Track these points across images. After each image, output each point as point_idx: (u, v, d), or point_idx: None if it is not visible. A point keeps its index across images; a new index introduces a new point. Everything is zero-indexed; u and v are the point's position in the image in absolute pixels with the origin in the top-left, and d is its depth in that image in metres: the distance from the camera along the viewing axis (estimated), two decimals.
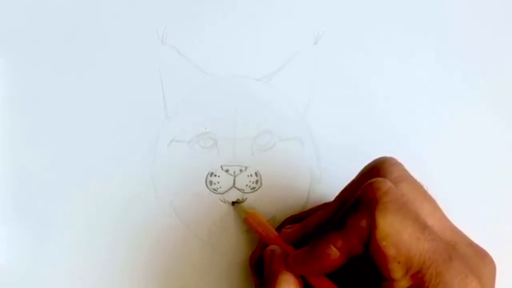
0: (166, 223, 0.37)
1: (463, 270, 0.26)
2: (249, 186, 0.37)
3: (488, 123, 0.39)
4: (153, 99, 0.38)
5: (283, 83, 0.38)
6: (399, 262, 0.26)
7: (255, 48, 0.39)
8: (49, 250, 0.36)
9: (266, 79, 0.38)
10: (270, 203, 0.37)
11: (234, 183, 0.37)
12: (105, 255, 0.36)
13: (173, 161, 0.37)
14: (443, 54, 0.40)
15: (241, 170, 0.37)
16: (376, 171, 0.30)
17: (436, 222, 0.28)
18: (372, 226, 0.26)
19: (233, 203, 0.37)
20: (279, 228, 0.34)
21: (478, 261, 0.28)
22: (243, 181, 0.37)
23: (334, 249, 0.28)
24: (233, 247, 0.37)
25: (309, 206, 0.37)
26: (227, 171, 0.37)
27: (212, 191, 0.37)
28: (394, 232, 0.26)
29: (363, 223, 0.27)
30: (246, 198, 0.37)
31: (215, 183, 0.37)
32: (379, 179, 0.28)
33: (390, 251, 0.26)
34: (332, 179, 0.37)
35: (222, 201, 0.37)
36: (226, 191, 0.37)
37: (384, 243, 0.26)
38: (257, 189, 0.37)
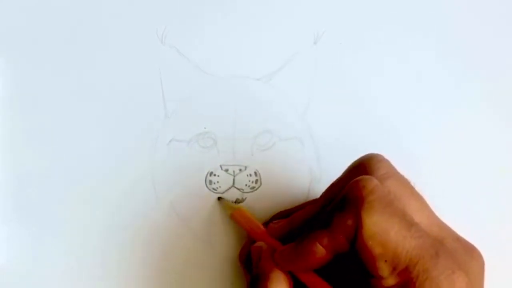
0: (165, 222, 0.37)
1: (450, 265, 0.26)
2: (249, 186, 0.37)
3: (488, 123, 0.39)
4: (153, 99, 0.38)
5: (283, 83, 0.38)
6: (386, 260, 0.26)
7: (255, 48, 0.39)
8: (49, 250, 0.36)
9: (266, 79, 0.38)
10: (269, 203, 0.37)
11: (233, 183, 0.37)
12: (105, 254, 0.36)
13: (172, 161, 0.37)
14: (443, 54, 0.40)
15: (240, 170, 0.37)
16: (363, 168, 0.30)
17: (423, 218, 0.28)
18: (358, 224, 0.27)
19: (219, 198, 0.37)
20: (267, 224, 0.34)
21: (466, 256, 0.28)
22: (243, 180, 0.37)
23: (320, 246, 0.28)
24: (232, 246, 0.37)
25: None
26: (226, 170, 0.37)
27: (212, 191, 0.37)
28: (380, 231, 0.26)
29: (349, 221, 0.27)
30: (245, 198, 0.37)
31: (214, 183, 0.37)
32: (365, 177, 0.28)
33: (377, 250, 0.26)
34: (332, 179, 0.37)
35: (218, 196, 0.37)
36: (226, 190, 0.37)
37: (370, 242, 0.26)
38: (256, 189, 0.37)
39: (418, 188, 0.30)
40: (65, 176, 0.37)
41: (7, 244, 0.36)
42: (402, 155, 0.38)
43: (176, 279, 0.36)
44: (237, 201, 0.37)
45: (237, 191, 0.37)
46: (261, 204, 0.37)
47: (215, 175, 0.37)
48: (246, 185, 0.37)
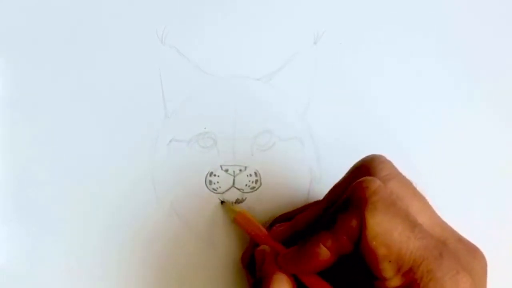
0: (165, 222, 0.37)
1: (454, 266, 0.26)
2: (249, 186, 0.37)
3: (488, 123, 0.39)
4: (153, 99, 0.38)
5: (283, 83, 0.38)
6: (390, 261, 0.26)
7: (255, 48, 0.39)
8: (49, 250, 0.36)
9: (266, 79, 0.38)
10: (269, 203, 0.37)
11: (233, 183, 0.37)
12: (105, 254, 0.36)
13: (173, 161, 0.37)
14: (443, 54, 0.40)
15: (240, 170, 0.37)
16: (365, 169, 0.30)
17: (425, 219, 0.28)
18: (362, 225, 0.26)
19: (222, 202, 0.37)
20: (270, 227, 0.34)
21: (469, 257, 0.28)
22: (243, 181, 0.37)
23: (324, 248, 0.28)
24: (233, 246, 0.37)
25: None
26: (226, 170, 0.37)
27: (212, 191, 0.37)
28: (384, 232, 0.26)
29: (353, 222, 0.27)
30: (245, 198, 0.37)
31: (214, 183, 0.37)
32: (368, 178, 0.28)
33: (381, 251, 0.26)
34: (332, 179, 0.37)
35: (221, 199, 0.37)
36: (226, 190, 0.37)
37: (374, 242, 0.26)
38: (256, 189, 0.37)
39: (419, 188, 0.30)
40: (65, 176, 0.37)
41: (7, 244, 0.36)
42: (402, 155, 0.38)
43: (177, 280, 0.36)
44: (237, 201, 0.37)
45: (237, 191, 0.37)
46: (261, 204, 0.37)
47: (215, 175, 0.37)
48: (246, 185, 0.37)
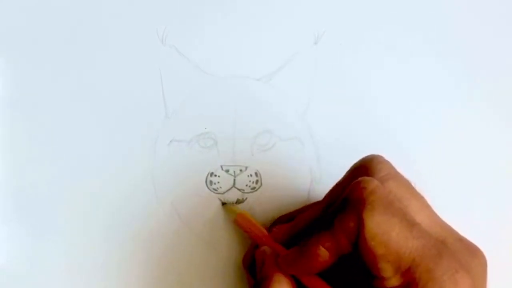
0: (166, 223, 0.37)
1: (453, 265, 0.26)
2: (249, 186, 0.37)
3: (488, 123, 0.39)
4: (153, 99, 0.38)
5: (283, 83, 0.38)
6: (388, 261, 0.26)
7: (255, 48, 0.39)
8: (49, 250, 0.36)
9: (266, 79, 0.38)
10: (270, 203, 0.37)
11: (234, 183, 0.37)
12: (105, 254, 0.36)
13: (173, 161, 0.37)
14: (443, 54, 0.40)
15: (241, 170, 0.37)
16: (364, 169, 0.30)
17: (424, 218, 0.28)
18: (360, 225, 0.26)
19: (223, 203, 0.37)
20: (270, 228, 0.34)
21: (468, 256, 0.27)
22: (243, 181, 0.37)
23: (323, 249, 0.28)
24: (233, 247, 0.37)
25: None
26: (227, 171, 0.37)
27: (212, 191, 0.37)
28: (382, 232, 0.26)
29: (351, 223, 0.27)
30: (246, 198, 0.37)
31: (215, 183, 0.37)
32: (366, 178, 0.28)
33: (379, 250, 0.26)
34: (332, 179, 0.37)
35: (222, 201, 0.37)
36: (226, 191, 0.37)
37: (372, 242, 0.26)
38: (257, 189, 0.37)
39: (419, 188, 0.30)
40: (65, 176, 0.37)
41: (7, 244, 0.36)
42: (402, 155, 0.38)
43: (177, 280, 0.36)
44: (238, 202, 0.37)
45: (238, 191, 0.37)
46: (261, 204, 0.37)
47: (215, 175, 0.37)
48: (246, 185, 0.37)
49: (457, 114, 0.39)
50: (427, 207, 0.30)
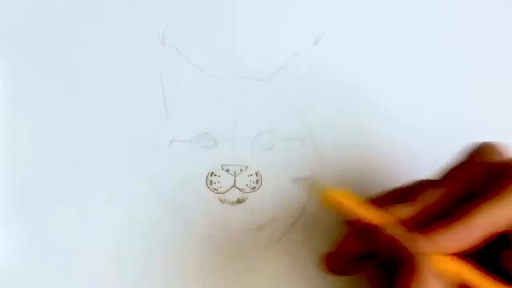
0: (166, 222, 0.37)
1: None
2: (250, 186, 0.37)
3: (490, 123, 0.39)
4: (153, 99, 0.38)
5: (283, 83, 0.38)
6: None
7: (255, 48, 0.39)
8: (49, 250, 0.36)
9: (266, 79, 0.38)
10: (270, 203, 0.37)
11: (234, 183, 0.37)
12: (104, 254, 0.36)
13: (173, 161, 0.37)
14: (444, 54, 0.40)
15: (241, 170, 0.37)
16: (489, 152, 0.29)
17: None
18: None
19: (296, 179, 0.33)
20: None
21: None
22: (244, 180, 0.37)
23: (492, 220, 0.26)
24: (233, 247, 0.37)
25: (309, 207, 0.37)
26: (227, 170, 0.37)
27: (213, 191, 0.37)
28: None
29: None
30: (246, 198, 0.37)
31: (215, 183, 0.37)
32: None
33: None
34: (332, 179, 0.37)
35: (222, 200, 0.37)
36: (227, 190, 0.37)
37: None
38: (257, 189, 0.37)
39: None
40: (65, 176, 0.37)
41: (7, 244, 0.36)
42: (402, 155, 0.38)
43: (176, 279, 0.36)
44: (238, 201, 0.37)
45: (238, 191, 0.37)
46: (262, 204, 0.37)
47: (215, 175, 0.37)
48: (247, 185, 0.37)
49: (458, 113, 0.39)
50: None
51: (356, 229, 0.29)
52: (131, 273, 0.36)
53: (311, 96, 0.38)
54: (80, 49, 0.38)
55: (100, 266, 0.36)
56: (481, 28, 0.40)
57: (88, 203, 0.37)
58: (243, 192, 0.37)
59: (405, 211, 0.28)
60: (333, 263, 0.31)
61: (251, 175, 0.37)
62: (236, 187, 0.37)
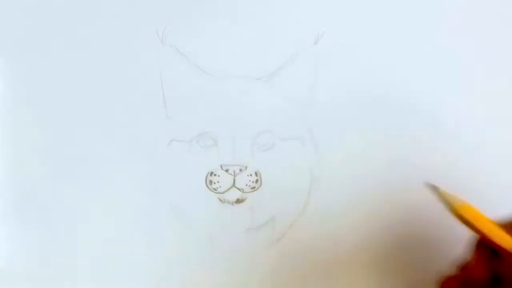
0: (166, 222, 0.37)
1: None
2: (249, 186, 0.37)
3: (490, 123, 0.39)
4: (153, 99, 0.38)
5: (283, 83, 0.38)
6: None
7: (255, 48, 0.39)
8: (49, 251, 0.36)
9: (266, 78, 0.38)
10: (270, 203, 0.37)
11: (234, 183, 0.37)
12: (104, 254, 0.36)
13: (173, 161, 0.37)
14: (444, 53, 0.39)
15: (241, 170, 0.37)
16: None
17: None
18: None
19: (432, 187, 0.30)
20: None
21: None
22: (243, 180, 0.37)
23: None
24: (233, 246, 0.37)
25: (309, 206, 0.37)
26: (227, 170, 0.37)
27: (212, 191, 0.37)
28: None
29: None
30: (246, 198, 0.37)
31: (215, 183, 0.37)
32: None
33: None
34: (332, 179, 0.37)
35: (222, 200, 0.37)
36: (226, 190, 0.37)
37: None
38: (257, 189, 0.37)
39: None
40: (65, 176, 0.37)
41: (7, 244, 0.36)
42: (402, 155, 0.38)
43: (176, 279, 0.36)
44: (238, 201, 0.37)
45: (238, 191, 0.37)
46: (261, 204, 0.37)
47: (215, 175, 0.37)
48: (246, 185, 0.37)
49: (459, 113, 0.39)
50: None
51: (486, 252, 0.27)
52: (131, 272, 0.36)
53: (311, 96, 0.38)
54: (80, 49, 0.38)
55: (100, 266, 0.36)
56: (484, 27, 0.40)
57: (88, 204, 0.37)
58: (242, 192, 0.37)
59: None
60: None
61: (251, 175, 0.37)
62: (235, 187, 0.37)
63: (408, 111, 0.39)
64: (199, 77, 0.38)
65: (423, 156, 0.38)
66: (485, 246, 0.27)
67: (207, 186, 0.37)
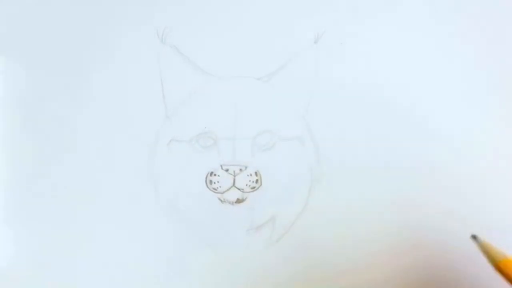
0: (166, 222, 0.37)
1: None
2: (249, 186, 0.37)
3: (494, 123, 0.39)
4: (153, 99, 0.38)
5: (283, 82, 0.38)
6: None
7: (255, 48, 0.39)
8: (51, 251, 0.36)
9: (266, 78, 0.38)
10: (270, 203, 0.37)
11: (234, 183, 0.37)
12: (105, 255, 0.36)
13: (173, 161, 0.37)
14: (445, 53, 0.39)
15: (241, 170, 0.37)
16: None
17: None
18: None
19: (474, 237, 0.31)
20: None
21: None
22: (243, 180, 0.37)
23: None
24: (233, 246, 0.37)
25: (309, 206, 0.37)
26: (227, 170, 0.37)
27: (212, 191, 0.37)
28: None
29: None
30: (246, 198, 0.37)
31: (215, 183, 0.37)
32: None
33: None
34: (332, 179, 0.37)
35: (222, 200, 0.37)
36: (226, 190, 0.37)
37: None
38: (257, 189, 0.37)
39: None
40: (65, 176, 0.37)
41: (12, 245, 0.37)
42: (402, 155, 0.38)
43: (175, 279, 0.36)
44: (238, 201, 0.37)
45: (238, 191, 0.37)
46: (261, 204, 0.37)
47: (215, 175, 0.37)
48: (246, 185, 0.37)
49: (459, 112, 0.39)
50: None
51: None
52: (131, 272, 0.36)
53: (311, 96, 0.38)
54: (79, 49, 0.38)
55: (101, 266, 0.36)
56: (485, 27, 0.40)
57: (88, 203, 0.37)
58: (242, 192, 0.37)
59: None
60: None
61: (251, 175, 0.37)
62: (235, 186, 0.37)
63: (408, 111, 0.39)
64: (199, 77, 0.38)
65: (423, 155, 0.38)
66: None
67: (207, 186, 0.37)
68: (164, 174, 0.37)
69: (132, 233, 0.37)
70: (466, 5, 0.40)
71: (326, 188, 0.37)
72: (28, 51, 0.38)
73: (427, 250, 0.37)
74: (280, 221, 0.37)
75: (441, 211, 0.36)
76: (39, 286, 0.36)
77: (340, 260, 0.37)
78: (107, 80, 0.38)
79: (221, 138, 0.37)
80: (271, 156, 0.37)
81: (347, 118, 0.38)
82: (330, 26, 0.39)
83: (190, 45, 0.38)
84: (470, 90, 0.39)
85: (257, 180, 0.37)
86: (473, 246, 0.29)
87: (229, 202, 0.37)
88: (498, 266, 0.29)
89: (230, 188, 0.37)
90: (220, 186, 0.37)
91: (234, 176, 0.37)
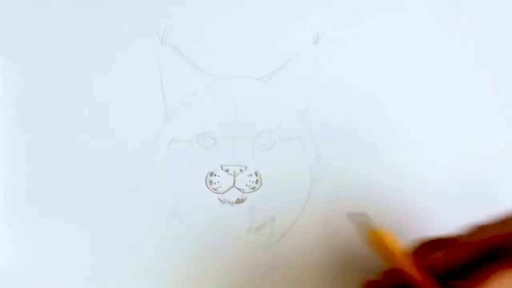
0: (165, 222, 0.37)
1: None
2: (249, 186, 0.37)
3: (494, 123, 0.39)
4: (153, 99, 0.38)
5: (283, 82, 0.38)
6: None
7: (255, 48, 0.39)
8: (52, 252, 0.36)
9: (266, 78, 0.38)
10: (270, 203, 0.37)
11: (234, 183, 0.37)
12: (105, 255, 0.36)
13: (173, 161, 0.37)
14: (445, 53, 0.39)
15: (241, 170, 0.37)
16: None
17: None
18: None
19: (353, 215, 0.31)
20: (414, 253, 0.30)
21: None
22: (243, 180, 0.37)
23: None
24: (233, 247, 0.37)
25: (309, 206, 0.37)
26: (227, 170, 0.37)
27: (212, 191, 0.37)
28: None
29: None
30: (246, 198, 0.37)
31: (215, 183, 0.37)
32: None
33: None
34: (332, 179, 0.37)
35: (222, 200, 0.37)
36: (226, 190, 0.37)
37: None
38: (257, 189, 0.37)
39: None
40: (65, 176, 0.37)
41: (12, 245, 0.37)
42: (402, 155, 0.38)
43: (175, 279, 0.36)
44: (238, 201, 0.37)
45: (238, 191, 0.37)
46: (261, 204, 0.37)
47: (215, 175, 0.37)
48: (246, 185, 0.37)
49: (460, 112, 0.39)
50: None
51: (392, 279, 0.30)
52: (131, 272, 0.36)
53: (311, 96, 0.38)
54: (79, 48, 0.38)
55: (101, 267, 0.36)
56: (485, 27, 0.40)
57: (88, 203, 0.37)
58: (242, 192, 0.37)
59: (438, 262, 0.29)
60: None
61: (251, 175, 0.37)
62: (235, 187, 0.37)
63: (408, 111, 0.39)
64: (199, 77, 0.38)
65: (423, 155, 0.38)
66: (389, 275, 0.30)
67: (207, 186, 0.37)
68: (164, 174, 0.37)
69: (132, 233, 0.37)
70: (466, 5, 0.40)
71: (326, 188, 0.37)
72: (28, 51, 0.38)
73: None
74: (280, 221, 0.37)
75: (443, 213, 0.36)
76: (39, 286, 0.36)
77: (340, 260, 0.37)
78: (107, 80, 0.38)
79: (221, 138, 0.37)
80: (271, 156, 0.37)
81: (347, 118, 0.38)
82: (330, 26, 0.39)
83: (190, 45, 0.38)
84: (470, 90, 0.39)
85: (257, 180, 0.37)
86: None
87: (229, 203, 0.37)
88: (372, 238, 0.29)
89: (230, 188, 0.37)
90: (220, 187, 0.37)
91: (234, 176, 0.37)
